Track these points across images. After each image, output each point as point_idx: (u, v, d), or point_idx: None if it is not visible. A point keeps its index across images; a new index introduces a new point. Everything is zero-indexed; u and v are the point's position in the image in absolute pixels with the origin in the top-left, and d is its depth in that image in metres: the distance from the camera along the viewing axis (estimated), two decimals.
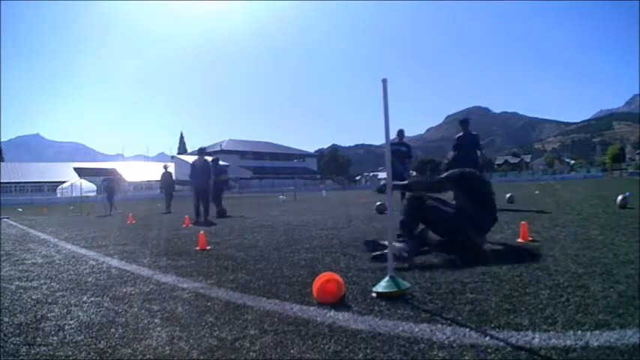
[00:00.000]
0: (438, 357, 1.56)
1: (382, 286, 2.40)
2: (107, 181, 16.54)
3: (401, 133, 9.18)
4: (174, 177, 15.70)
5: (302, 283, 2.77)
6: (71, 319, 2.22)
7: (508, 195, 9.98)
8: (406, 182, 4.80)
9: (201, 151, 10.16)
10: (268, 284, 2.82)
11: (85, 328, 2.07)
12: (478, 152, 8.54)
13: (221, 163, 12.70)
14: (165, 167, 15.09)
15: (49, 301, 2.64)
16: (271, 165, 76.05)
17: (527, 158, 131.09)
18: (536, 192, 14.75)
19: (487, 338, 1.69)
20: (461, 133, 8.73)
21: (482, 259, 3.14)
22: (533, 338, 1.67)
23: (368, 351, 1.64)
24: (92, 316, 2.26)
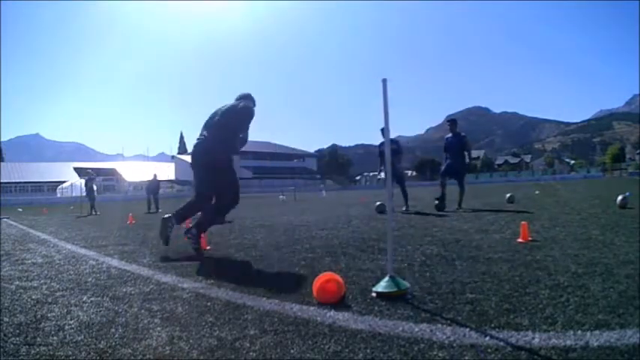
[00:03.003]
0: (438, 357, 1.56)
1: (382, 286, 2.40)
2: (89, 182, 16.51)
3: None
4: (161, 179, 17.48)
5: (302, 283, 2.78)
6: (71, 319, 2.21)
7: (508, 195, 9.99)
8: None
9: None
10: (268, 284, 2.82)
11: (85, 328, 2.07)
12: (466, 153, 8.50)
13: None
14: (155, 175, 17.23)
15: (49, 301, 2.64)
16: (271, 165, 76.03)
17: (527, 158, 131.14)
18: (536, 192, 14.75)
19: (487, 338, 1.69)
20: (449, 134, 8.72)
21: None
22: (533, 338, 1.67)
23: (368, 351, 1.64)
24: (92, 316, 2.26)
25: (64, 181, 52.80)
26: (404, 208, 8.54)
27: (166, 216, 4.28)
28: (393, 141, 8.92)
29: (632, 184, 17.88)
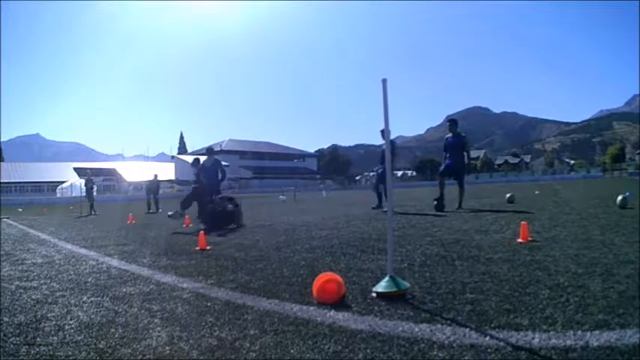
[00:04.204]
0: (438, 357, 1.56)
1: (382, 286, 2.40)
2: (88, 183, 16.57)
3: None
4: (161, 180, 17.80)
5: (302, 283, 2.78)
6: (71, 319, 2.22)
7: (508, 195, 9.98)
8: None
9: (210, 151, 10.15)
10: (268, 284, 2.82)
11: (85, 328, 2.07)
12: (465, 154, 8.46)
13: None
14: (155, 176, 17.35)
15: (49, 301, 2.64)
16: (271, 165, 76.01)
17: (527, 158, 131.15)
18: (536, 192, 14.75)
19: (487, 338, 1.69)
20: (449, 134, 8.69)
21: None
22: (533, 338, 1.67)
23: (368, 351, 1.64)
24: (92, 316, 2.26)
25: (64, 181, 52.77)
26: (381, 208, 8.68)
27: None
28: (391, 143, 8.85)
29: (632, 184, 17.87)
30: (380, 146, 9.00)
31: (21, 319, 2.25)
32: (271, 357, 1.63)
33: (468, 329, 1.81)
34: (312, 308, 2.24)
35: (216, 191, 9.20)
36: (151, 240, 5.86)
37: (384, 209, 8.51)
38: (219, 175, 9.29)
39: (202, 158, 10.08)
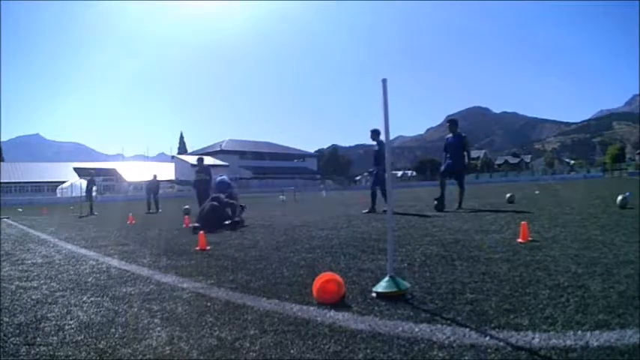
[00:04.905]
0: (438, 357, 1.56)
1: (382, 286, 2.40)
2: (90, 183, 16.61)
3: (375, 132, 8.82)
4: (161, 180, 17.82)
5: (302, 283, 2.77)
6: (71, 319, 2.22)
7: (508, 195, 9.98)
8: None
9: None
10: (268, 284, 2.82)
11: (85, 328, 2.07)
12: (465, 153, 8.44)
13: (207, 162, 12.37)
14: (155, 176, 17.51)
15: (49, 301, 2.64)
16: (271, 165, 76.04)
17: (527, 158, 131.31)
18: (536, 192, 14.76)
19: (487, 338, 1.69)
20: (449, 134, 8.68)
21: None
22: (533, 338, 1.67)
23: (368, 351, 1.64)
24: (92, 316, 2.26)
25: (64, 181, 52.82)
26: (374, 212, 8.68)
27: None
28: (381, 143, 8.82)
29: (632, 184, 17.87)
30: (373, 146, 9.04)
31: (21, 319, 2.25)
32: (271, 357, 1.63)
33: (467, 329, 1.81)
34: (312, 308, 2.24)
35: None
36: (151, 240, 5.86)
37: (380, 211, 8.49)
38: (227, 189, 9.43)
39: (206, 158, 10.16)
